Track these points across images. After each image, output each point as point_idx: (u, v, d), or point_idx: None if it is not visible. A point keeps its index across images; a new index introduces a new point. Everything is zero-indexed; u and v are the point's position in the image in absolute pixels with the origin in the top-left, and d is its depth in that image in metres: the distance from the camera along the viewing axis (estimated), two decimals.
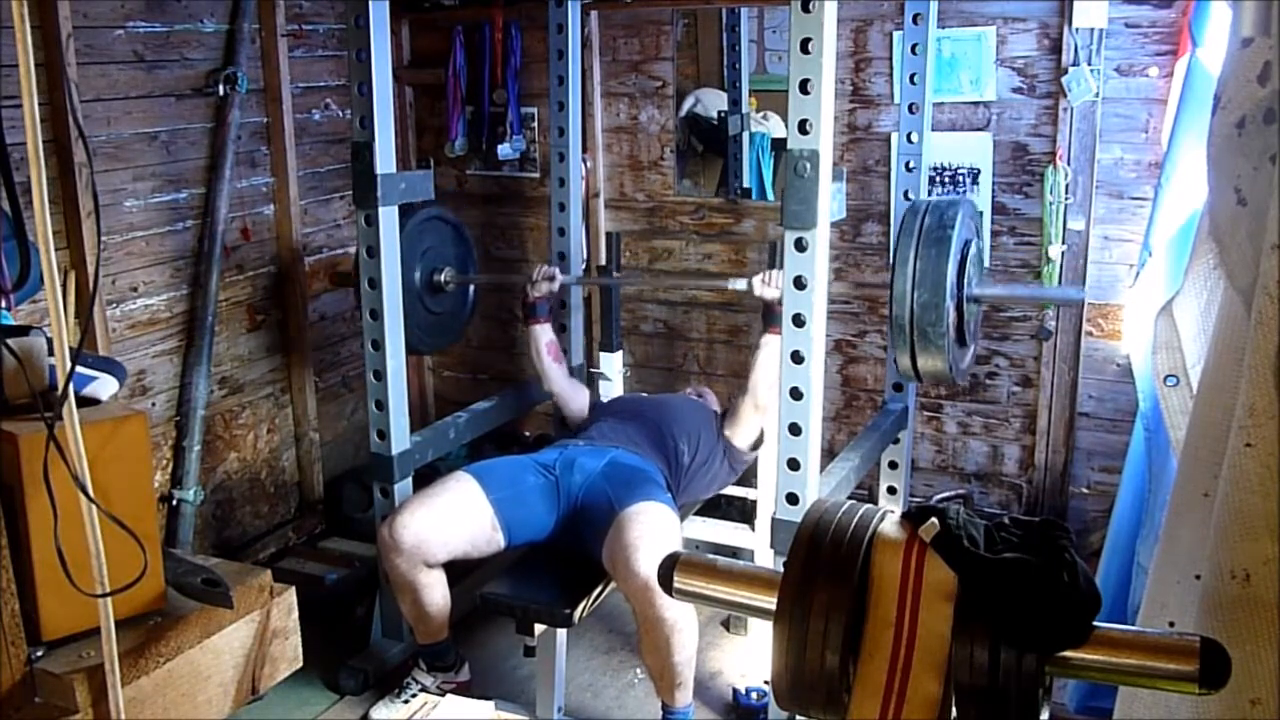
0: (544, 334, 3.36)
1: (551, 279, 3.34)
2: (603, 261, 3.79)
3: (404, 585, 2.76)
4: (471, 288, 3.57)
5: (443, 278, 3.38)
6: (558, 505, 2.84)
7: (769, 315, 3.02)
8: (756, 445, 3.14)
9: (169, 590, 1.81)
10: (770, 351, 2.94)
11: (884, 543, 1.02)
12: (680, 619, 2.54)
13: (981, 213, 3.39)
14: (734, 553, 3.25)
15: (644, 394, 3.78)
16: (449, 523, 2.74)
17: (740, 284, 3.11)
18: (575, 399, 3.42)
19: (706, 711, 2.94)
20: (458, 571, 2.87)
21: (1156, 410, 2.24)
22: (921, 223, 2.73)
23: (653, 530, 2.60)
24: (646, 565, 2.49)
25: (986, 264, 3.50)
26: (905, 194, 3.38)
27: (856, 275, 3.75)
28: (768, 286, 3.00)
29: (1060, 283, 3.38)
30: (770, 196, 4.12)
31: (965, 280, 2.79)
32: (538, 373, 3.41)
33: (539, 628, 2.62)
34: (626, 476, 2.82)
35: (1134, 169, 3.29)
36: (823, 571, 1.00)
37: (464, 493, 2.78)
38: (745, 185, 4.20)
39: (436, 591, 2.79)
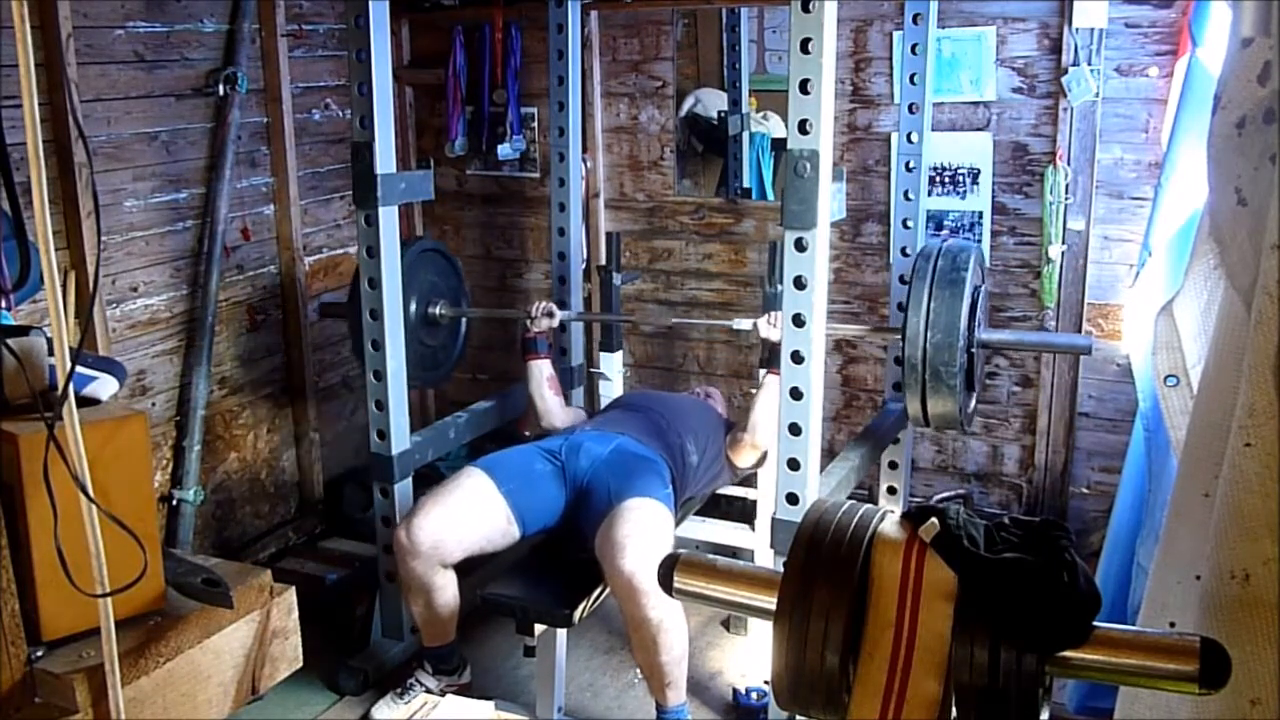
0: (544, 369, 3.29)
1: (550, 314, 3.28)
2: (603, 261, 3.79)
3: (419, 588, 2.75)
4: (464, 321, 3.54)
5: (437, 310, 3.36)
6: (565, 488, 2.84)
7: (772, 355, 2.98)
8: (758, 465, 3.14)
9: (169, 590, 1.81)
10: (771, 392, 2.92)
11: (884, 543, 1.02)
12: (666, 618, 2.53)
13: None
14: (734, 553, 3.25)
15: (652, 391, 3.76)
16: (464, 521, 2.72)
17: (745, 324, 3.08)
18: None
19: (706, 711, 2.94)
20: (461, 570, 2.86)
21: (1156, 410, 2.24)
22: (935, 265, 2.76)
23: (643, 528, 2.59)
24: (632, 563, 2.49)
25: (987, 264, 3.51)
26: (905, 194, 3.38)
27: (856, 275, 3.75)
28: (773, 327, 2.96)
29: (1060, 284, 3.38)
30: (770, 196, 4.12)
31: (975, 325, 2.82)
32: (535, 409, 3.31)
33: (539, 628, 2.62)
34: (630, 466, 2.81)
35: (1134, 169, 3.29)
36: (823, 571, 1.00)
37: (476, 489, 2.77)
38: (745, 185, 4.21)
39: (449, 593, 2.79)
